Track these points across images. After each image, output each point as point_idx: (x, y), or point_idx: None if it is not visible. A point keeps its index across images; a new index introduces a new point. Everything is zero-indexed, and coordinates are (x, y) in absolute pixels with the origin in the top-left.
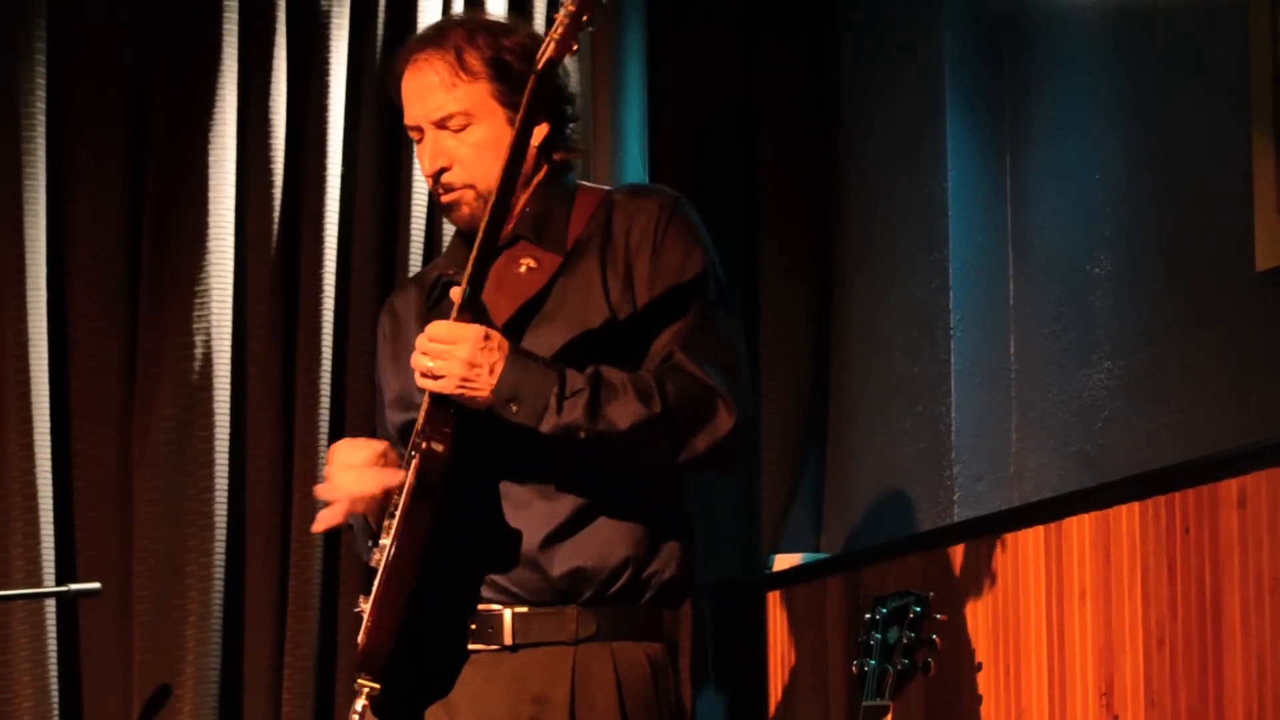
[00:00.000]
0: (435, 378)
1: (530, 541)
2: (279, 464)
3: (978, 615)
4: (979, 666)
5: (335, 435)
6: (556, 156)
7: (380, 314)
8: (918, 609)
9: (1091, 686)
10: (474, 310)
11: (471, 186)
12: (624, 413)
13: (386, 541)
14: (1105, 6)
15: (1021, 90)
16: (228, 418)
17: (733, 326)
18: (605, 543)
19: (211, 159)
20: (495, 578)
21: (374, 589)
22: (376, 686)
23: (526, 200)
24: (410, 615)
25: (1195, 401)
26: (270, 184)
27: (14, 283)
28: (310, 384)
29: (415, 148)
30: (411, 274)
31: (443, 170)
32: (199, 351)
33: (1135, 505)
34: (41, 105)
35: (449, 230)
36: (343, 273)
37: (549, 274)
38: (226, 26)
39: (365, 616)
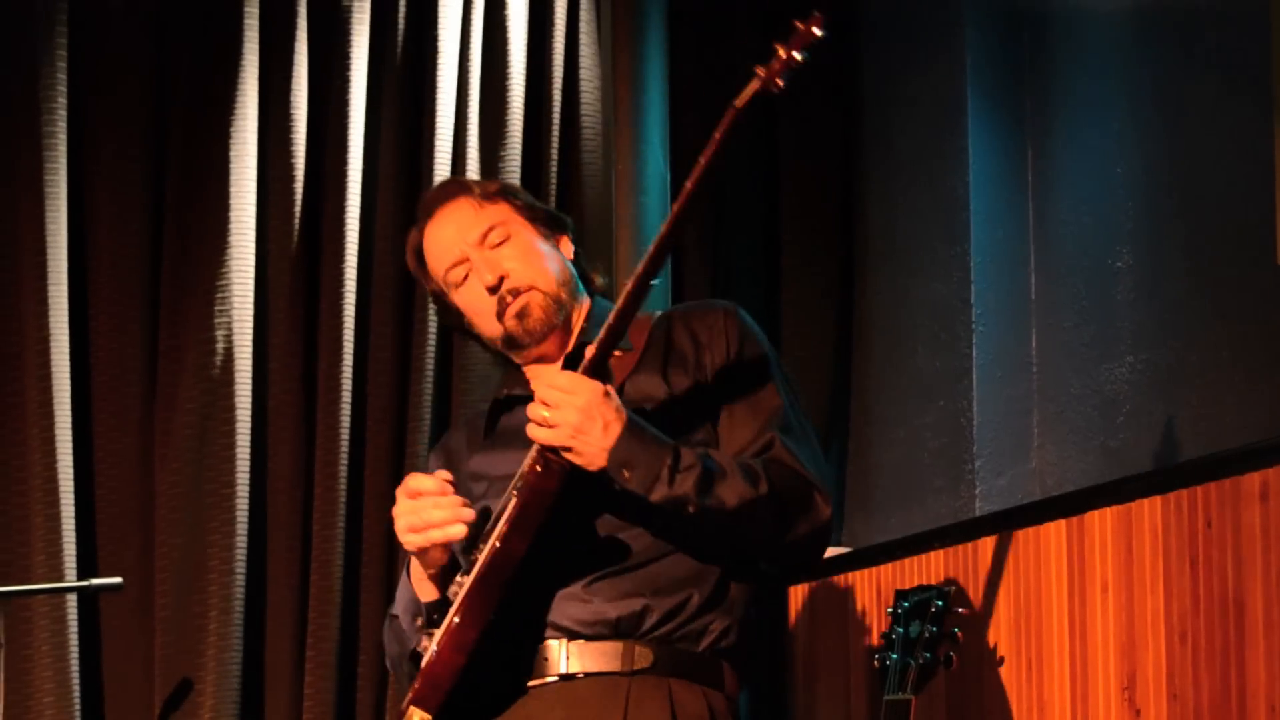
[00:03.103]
0: (549, 427)
1: (590, 577)
2: (300, 459)
3: (1000, 609)
4: (1001, 660)
5: (356, 430)
6: (594, 276)
7: (429, 454)
8: (940, 603)
9: (1113, 680)
10: (600, 374)
11: (534, 287)
12: (732, 492)
13: (462, 580)
14: (1126, 1)
15: (1043, 85)
16: (249, 413)
17: (808, 421)
18: (667, 580)
19: (233, 154)
20: (554, 614)
21: (448, 620)
22: (429, 718)
23: (584, 317)
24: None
25: (1217, 395)
26: (291, 179)
27: (35, 278)
28: (332, 379)
29: (455, 291)
30: None
31: (503, 279)
32: (220, 347)
33: (1157, 499)
34: (63, 102)
35: None
36: (364, 268)
37: (625, 371)
38: (248, 22)
39: (433, 649)
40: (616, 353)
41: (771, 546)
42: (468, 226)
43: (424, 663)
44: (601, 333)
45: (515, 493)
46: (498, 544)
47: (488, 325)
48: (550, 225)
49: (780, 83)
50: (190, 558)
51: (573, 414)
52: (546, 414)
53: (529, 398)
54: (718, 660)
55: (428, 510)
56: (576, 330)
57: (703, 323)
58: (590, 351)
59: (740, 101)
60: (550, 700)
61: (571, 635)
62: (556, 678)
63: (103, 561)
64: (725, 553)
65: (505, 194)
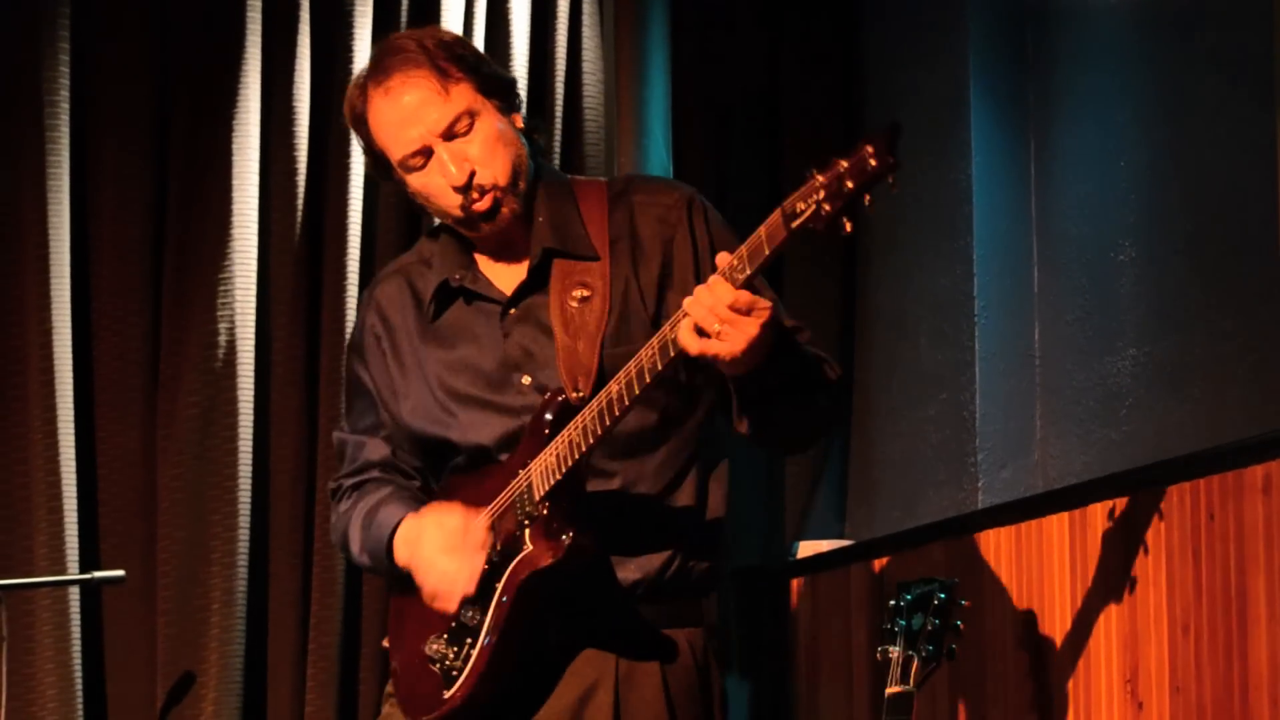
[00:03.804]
0: (710, 341)
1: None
2: (302, 452)
3: (1002, 602)
4: (1004, 653)
5: None
6: (536, 137)
7: (361, 308)
8: (942, 595)
9: (1116, 673)
10: (751, 285)
11: (499, 184)
12: (819, 399)
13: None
14: None
15: (1045, 78)
16: (251, 406)
17: None
18: (650, 543)
19: (235, 148)
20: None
21: (473, 663)
22: None
23: (537, 208)
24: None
25: (1220, 388)
26: (294, 172)
27: (38, 272)
28: (334, 371)
29: (410, 174)
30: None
31: (472, 174)
32: (223, 340)
33: (1160, 492)
34: (65, 95)
35: None
36: (366, 261)
37: (605, 298)
38: (250, 15)
39: (456, 687)
40: (582, 290)
41: (806, 428)
42: (432, 115)
43: (449, 695)
44: (762, 250)
45: (529, 528)
46: (510, 601)
47: (445, 206)
48: (505, 96)
49: (849, 227)
50: (192, 550)
51: (742, 341)
52: (718, 328)
53: (488, 298)
54: (696, 600)
55: (443, 559)
56: (537, 219)
57: (665, 217)
58: (725, 263)
59: (795, 224)
60: (542, 673)
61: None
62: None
63: (105, 554)
64: (766, 432)
65: (465, 69)
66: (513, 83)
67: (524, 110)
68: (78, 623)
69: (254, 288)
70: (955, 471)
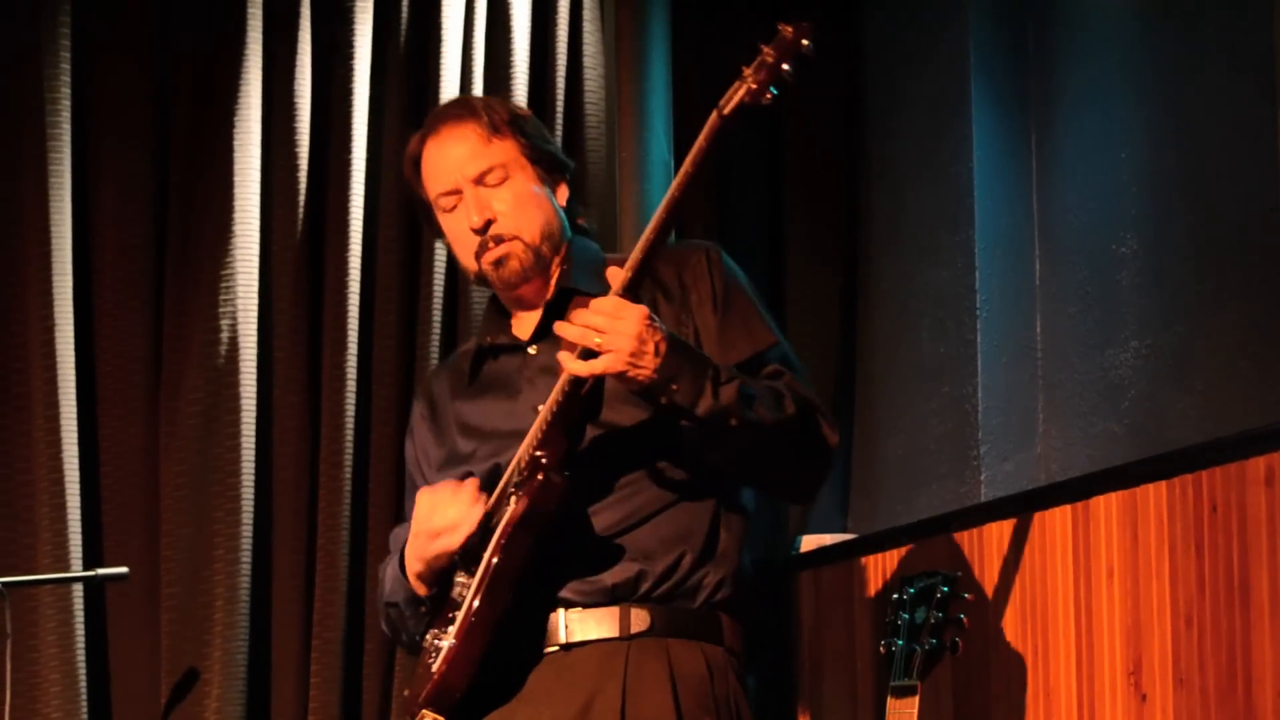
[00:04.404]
0: (597, 355)
1: (586, 546)
2: (305, 448)
3: (1005, 595)
4: (1007, 646)
5: (361, 420)
6: (580, 220)
7: (415, 400)
8: (945, 589)
9: (1119, 666)
10: (634, 295)
11: (518, 238)
12: (766, 409)
13: (466, 580)
14: None
15: (1047, 70)
16: (254, 402)
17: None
18: (659, 541)
19: (236, 144)
20: (551, 586)
21: (460, 623)
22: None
23: (563, 259)
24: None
25: (1222, 380)
26: (295, 169)
27: (40, 269)
28: (336, 369)
29: (442, 214)
30: (435, 258)
31: (489, 223)
32: (225, 336)
33: (1163, 484)
34: (67, 92)
35: None
36: (368, 257)
37: None
38: (251, 11)
39: (445, 650)
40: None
41: (787, 470)
42: (468, 160)
43: (436, 666)
44: (636, 254)
45: (515, 495)
46: (499, 557)
47: (465, 258)
48: (550, 169)
49: (769, 96)
50: (196, 547)
51: (625, 340)
52: (599, 340)
53: (512, 346)
54: (714, 614)
55: (444, 508)
56: (555, 275)
57: (686, 263)
58: (625, 275)
59: (727, 109)
60: (551, 670)
61: (569, 605)
62: (557, 648)
63: (108, 551)
64: (744, 477)
65: (514, 129)
66: (565, 164)
67: (573, 194)
68: (81, 620)
69: (256, 285)
70: (957, 465)
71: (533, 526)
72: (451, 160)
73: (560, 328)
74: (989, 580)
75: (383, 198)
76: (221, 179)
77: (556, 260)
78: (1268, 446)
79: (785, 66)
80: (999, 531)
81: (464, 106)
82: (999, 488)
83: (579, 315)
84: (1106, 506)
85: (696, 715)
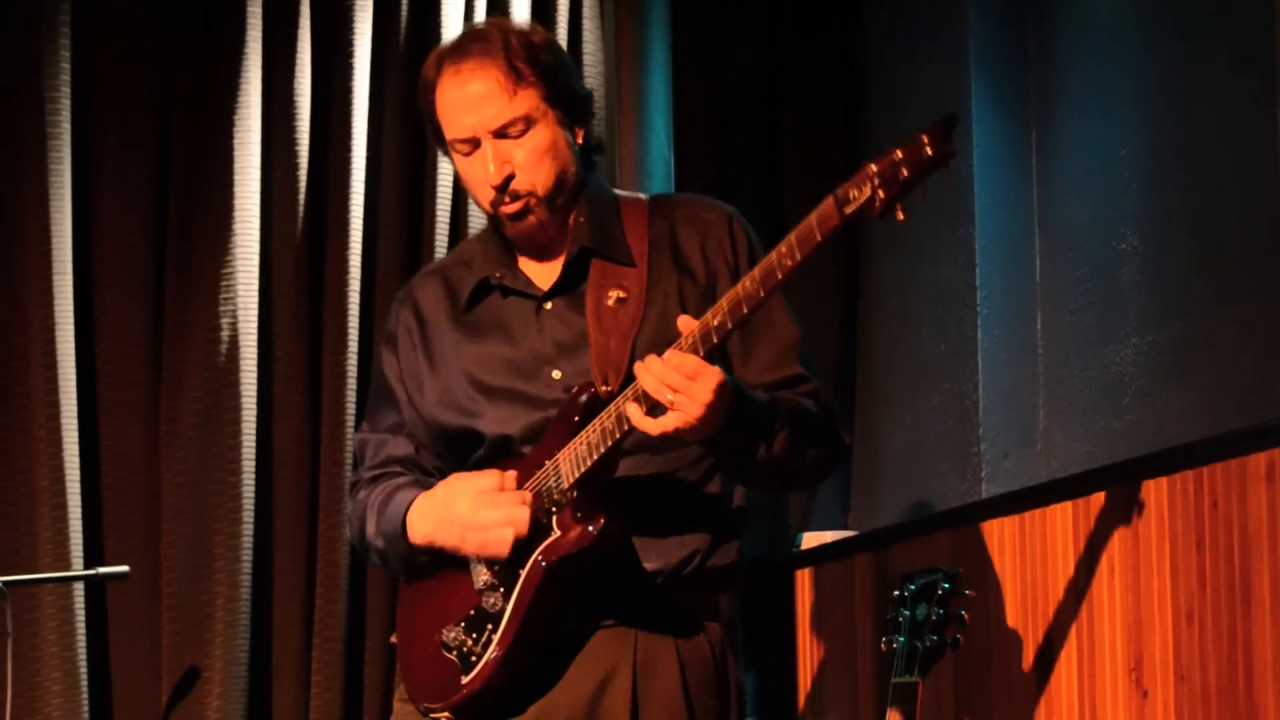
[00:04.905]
0: (665, 417)
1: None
2: (306, 447)
3: (1006, 591)
4: (1008, 643)
5: (361, 416)
6: (595, 157)
7: (397, 305)
8: (946, 585)
9: (1120, 662)
10: (712, 356)
11: (534, 192)
12: (804, 442)
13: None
14: None
15: (1047, 67)
16: (254, 401)
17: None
18: (669, 529)
19: (236, 142)
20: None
21: (501, 640)
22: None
23: (577, 212)
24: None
25: (1222, 376)
26: (295, 167)
27: (40, 268)
28: (336, 367)
29: (457, 157)
30: (436, 257)
31: (509, 178)
32: (225, 335)
33: (1163, 480)
34: (66, 90)
35: (474, 212)
36: (368, 255)
37: (640, 300)
38: (250, 9)
39: (480, 665)
40: (619, 291)
41: (802, 478)
42: (490, 110)
43: (469, 679)
44: (714, 319)
45: (556, 517)
46: (548, 586)
47: (480, 198)
48: (571, 110)
49: (901, 216)
50: (197, 545)
51: (698, 407)
52: (672, 398)
53: (519, 293)
54: (714, 594)
55: (489, 509)
56: (572, 225)
57: (710, 234)
58: (688, 328)
59: (850, 209)
60: (559, 660)
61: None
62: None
63: (109, 550)
64: (757, 485)
65: (539, 74)
66: (586, 98)
67: (593, 127)
68: (82, 619)
69: (256, 283)
70: (958, 461)
71: (585, 564)
72: (472, 108)
73: (641, 375)
74: (990, 577)
75: (383, 197)
76: (221, 179)
77: (573, 210)
78: (1268, 442)
79: (915, 181)
80: (1000, 528)
81: (486, 42)
82: (1000, 484)
83: (655, 366)
84: (1107, 503)
85: (702, 698)
